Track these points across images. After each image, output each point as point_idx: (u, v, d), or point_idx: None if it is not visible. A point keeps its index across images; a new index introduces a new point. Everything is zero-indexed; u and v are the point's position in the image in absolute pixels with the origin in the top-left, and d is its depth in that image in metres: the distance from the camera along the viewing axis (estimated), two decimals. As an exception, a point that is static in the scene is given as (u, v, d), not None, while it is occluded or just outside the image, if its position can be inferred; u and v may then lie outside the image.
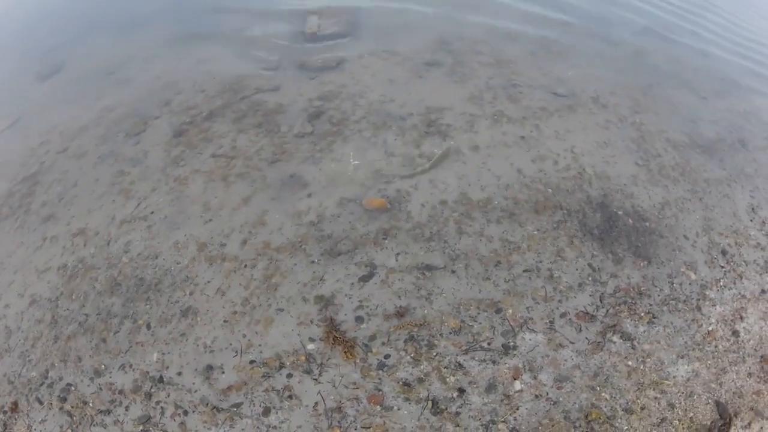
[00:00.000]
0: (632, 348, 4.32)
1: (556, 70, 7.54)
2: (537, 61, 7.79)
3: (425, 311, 4.49)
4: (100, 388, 4.42)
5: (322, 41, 8.47)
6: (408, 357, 4.23)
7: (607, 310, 4.49)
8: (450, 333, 4.33)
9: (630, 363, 4.25)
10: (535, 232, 5.02)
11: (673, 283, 4.74)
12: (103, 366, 4.52)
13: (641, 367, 4.24)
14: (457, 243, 4.93)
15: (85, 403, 4.37)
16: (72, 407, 4.38)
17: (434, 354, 4.22)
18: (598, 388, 4.10)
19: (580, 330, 4.38)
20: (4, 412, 4.53)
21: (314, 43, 8.44)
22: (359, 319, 4.45)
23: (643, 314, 4.52)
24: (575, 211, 5.21)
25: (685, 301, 4.64)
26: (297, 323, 4.49)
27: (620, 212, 5.28)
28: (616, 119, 6.56)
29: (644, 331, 4.43)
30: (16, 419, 4.46)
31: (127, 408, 4.27)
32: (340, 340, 4.34)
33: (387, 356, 4.25)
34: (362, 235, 5.02)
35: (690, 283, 4.76)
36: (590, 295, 4.57)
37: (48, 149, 7.09)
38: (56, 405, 4.43)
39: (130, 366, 4.47)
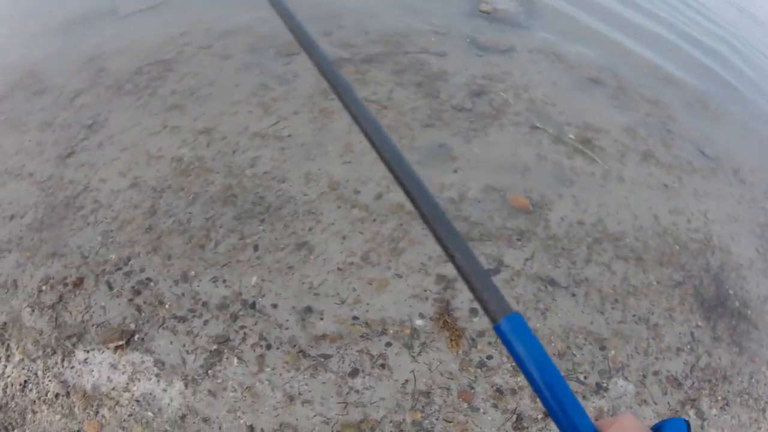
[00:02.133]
0: (701, 428, 4.26)
1: (707, 129, 7.48)
2: (693, 114, 7.76)
3: (538, 324, 4.46)
4: (183, 294, 4.41)
5: (494, 23, 8.43)
6: (509, 365, 4.18)
7: (693, 383, 4.44)
8: (554, 354, 4.28)
9: (694, 441, 4.11)
10: (655, 283, 4.98)
11: (752, 378, 4.67)
12: (193, 273, 4.53)
13: (700, 448, 4.09)
14: (584, 268, 4.90)
15: (161, 303, 4.38)
16: (144, 303, 4.40)
17: None
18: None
19: (666, 393, 4.33)
20: (65, 285, 4.59)
21: (487, 22, 8.35)
22: (473, 312, 4.40)
23: (719, 398, 4.46)
24: (693, 276, 5.18)
25: (756, 399, 4.58)
26: (412, 294, 4.44)
27: (731, 292, 5.22)
28: (749, 198, 6.50)
29: (715, 415, 4.37)
30: (75, 295, 4.50)
31: (206, 322, 4.27)
32: (450, 326, 4.30)
33: (489, 357, 4.21)
34: (498, 229, 4.96)
35: (765, 384, 4.69)
36: (684, 363, 4.54)
37: (189, 41, 7.18)
38: (127, 295, 4.45)
39: (224, 281, 4.46)
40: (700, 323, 4.86)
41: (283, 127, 5.68)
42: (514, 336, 1.08)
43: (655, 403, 4.27)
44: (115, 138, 5.86)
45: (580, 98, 7.15)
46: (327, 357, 4.15)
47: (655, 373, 4.43)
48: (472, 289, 1.13)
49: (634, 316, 4.72)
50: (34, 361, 4.29)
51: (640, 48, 9.39)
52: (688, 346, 4.67)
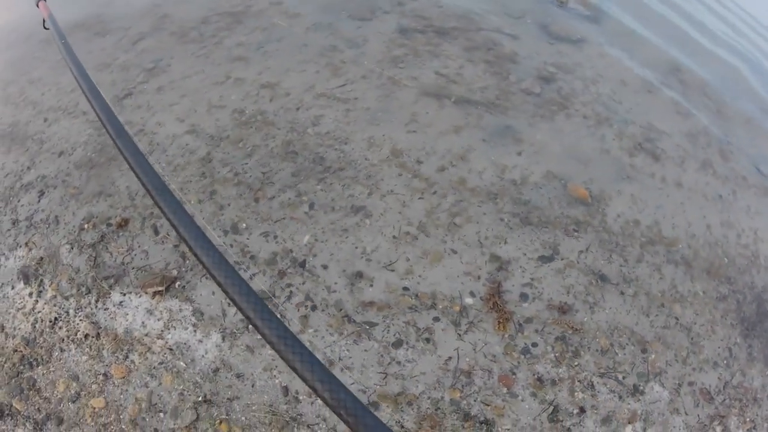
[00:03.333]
0: None
1: (765, 148, 7.34)
2: (752, 130, 7.63)
3: (585, 318, 4.37)
4: (232, 245, 4.35)
5: (568, 12, 8.34)
6: (552, 355, 4.11)
7: (724, 400, 4.35)
8: (597, 350, 4.21)
9: (715, 461, 4.03)
10: (701, 293, 4.88)
11: None
12: (244, 225, 4.47)
13: (721, 470, 4.01)
14: (635, 268, 4.81)
15: (208, 253, 4.24)
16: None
17: (576, 363, 4.11)
18: (684, 468, 3.88)
19: (698, 405, 4.24)
20: (109, 224, 4.56)
21: (561, 11, 8.27)
22: (524, 297, 4.32)
23: (747, 420, 4.37)
24: (738, 292, 5.07)
25: None
26: (465, 272, 4.35)
27: None
28: None
29: None
30: (118, 236, 4.48)
31: (252, 276, 4.19)
32: (499, 308, 4.22)
33: (534, 344, 4.13)
34: (556, 217, 4.88)
35: (792, 414, 4.53)
36: (718, 378, 4.44)
37: (259, -5, 7.11)
38: (172, 241, 4.41)
39: (275, 237, 4.39)
40: (738, 340, 4.76)
41: (350, 89, 5.62)
42: None
43: (686, 414, 4.20)
44: (176, 83, 5.82)
45: (646, 99, 7.05)
46: (372, 325, 4.08)
47: (690, 384, 4.35)
48: None
49: (678, 323, 4.63)
50: (66, 299, 4.26)
51: (712, 46, 9.40)
52: (725, 362, 4.58)
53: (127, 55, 6.40)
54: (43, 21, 4.01)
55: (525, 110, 5.95)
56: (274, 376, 3.84)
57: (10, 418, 3.95)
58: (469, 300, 4.27)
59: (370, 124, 5.28)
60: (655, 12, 9.67)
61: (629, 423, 4.02)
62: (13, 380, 4.05)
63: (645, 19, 9.36)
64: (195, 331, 4.05)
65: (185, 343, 3.99)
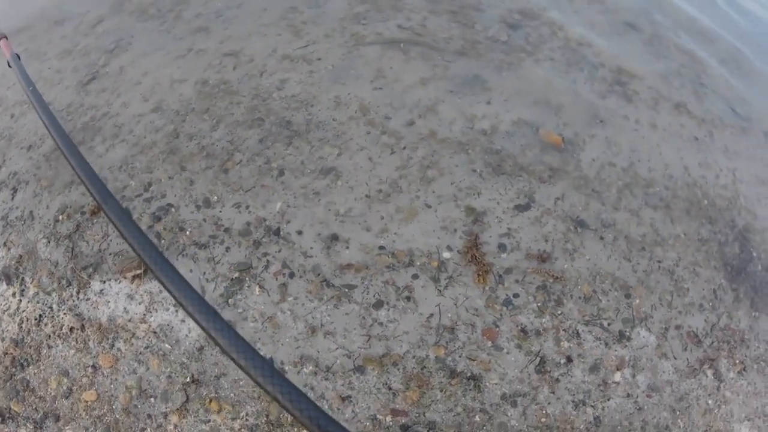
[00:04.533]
0: (717, 389, 4.20)
1: (740, 88, 7.29)
2: (725, 72, 7.54)
3: (565, 265, 4.34)
4: (204, 220, 4.30)
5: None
6: (535, 305, 4.08)
7: (712, 342, 4.37)
8: (579, 298, 4.18)
9: (710, 402, 4.14)
10: (682, 235, 4.88)
11: None
12: (215, 197, 4.40)
13: (715, 411, 4.13)
14: (613, 212, 4.78)
15: (182, 229, 4.27)
16: (164, 229, 4.29)
17: (559, 312, 4.09)
18: (677, 413, 4.00)
19: (686, 349, 4.26)
20: (83, 213, 4.49)
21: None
22: (502, 247, 4.28)
23: (737, 361, 4.39)
24: (719, 233, 5.06)
25: None
26: (441, 226, 4.31)
27: (755, 254, 5.10)
28: None
29: (732, 378, 4.30)
30: (93, 224, 4.41)
31: (227, 249, 4.16)
32: (478, 261, 4.17)
33: (516, 295, 4.10)
34: (530, 164, 4.84)
35: (783, 353, 4.57)
36: (705, 321, 4.45)
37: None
38: (146, 222, 4.35)
39: (247, 207, 4.33)
40: (723, 282, 4.74)
41: (313, 50, 5.55)
42: None
43: (675, 358, 4.20)
44: (138, 62, 5.75)
45: (614, 42, 7.00)
46: (351, 287, 4.04)
47: (677, 327, 4.35)
48: None
49: (660, 266, 4.60)
50: (48, 294, 4.22)
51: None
52: (710, 304, 4.56)
53: (87, 39, 6.31)
54: (8, 62, 3.98)
55: (492, 58, 5.89)
56: (259, 348, 3.80)
57: (11, 420, 3.94)
58: (446, 254, 4.23)
59: (336, 84, 5.22)
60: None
61: (618, 370, 4.02)
62: (8, 383, 4.03)
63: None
64: (176, 311, 4.01)
65: (168, 325, 3.95)
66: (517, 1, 7.06)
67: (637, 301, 4.36)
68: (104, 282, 4.19)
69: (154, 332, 3.96)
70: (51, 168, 4.90)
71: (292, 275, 4.05)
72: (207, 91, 5.23)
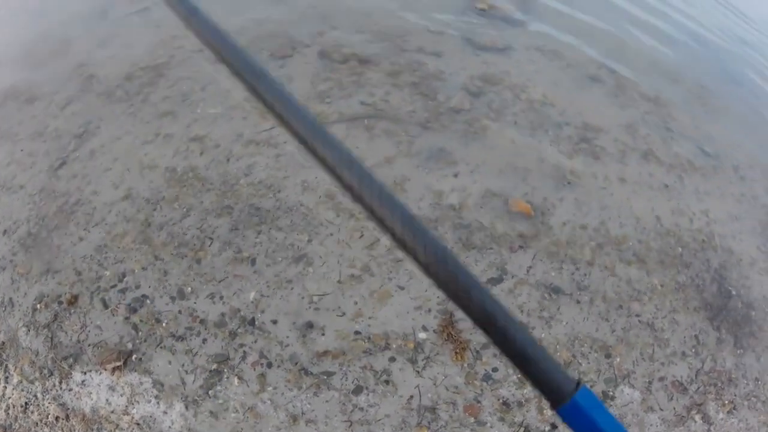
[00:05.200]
0: None
1: (707, 126, 7.49)
2: (692, 111, 7.75)
3: (543, 333, 4.40)
4: (180, 312, 4.32)
5: (491, 19, 8.34)
6: (515, 377, 4.12)
7: (698, 387, 4.43)
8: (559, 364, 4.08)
9: (699, 446, 4.07)
10: (659, 286, 4.95)
11: (758, 380, 4.64)
12: (189, 289, 4.43)
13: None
14: (588, 274, 4.86)
15: (158, 321, 4.29)
16: (141, 321, 4.31)
17: None
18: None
19: (672, 399, 4.31)
20: (60, 303, 4.48)
21: (483, 19, 8.26)
22: (478, 323, 4.21)
23: (726, 402, 4.44)
24: (697, 277, 5.15)
25: (764, 401, 4.55)
26: (414, 306, 4.36)
27: (734, 292, 5.19)
28: (750, 196, 6.48)
29: (722, 419, 4.35)
30: (70, 314, 4.40)
31: (204, 341, 4.18)
32: (454, 339, 4.23)
33: (495, 369, 4.16)
34: (500, 235, 4.91)
35: (773, 385, 4.56)
36: (689, 367, 4.52)
37: (181, 44, 7.07)
38: (122, 313, 4.35)
39: (221, 298, 4.36)
40: (704, 326, 4.84)
41: (279, 133, 5.55)
42: (586, 419, 0.89)
43: (662, 410, 4.25)
44: (107, 147, 5.77)
45: (578, 97, 7.12)
46: (330, 374, 4.07)
47: (661, 379, 4.41)
48: (521, 368, 0.91)
49: (639, 320, 4.68)
50: (32, 382, 4.20)
51: (643, 36, 9.45)
52: (693, 350, 4.65)
53: (57, 121, 6.32)
54: None
55: (456, 129, 5.96)
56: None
57: None
58: (422, 335, 4.28)
59: (303, 167, 5.26)
60: (584, 3, 9.70)
61: (603, 430, 4.03)
62: (-1, 468, 3.93)
63: (572, 13, 9.38)
64: (158, 402, 4.01)
65: (151, 416, 3.95)
66: (479, 66, 7.14)
67: (618, 359, 4.42)
68: (85, 373, 4.19)
69: (138, 424, 3.94)
70: (27, 254, 4.90)
71: (269, 365, 4.06)
72: (176, 178, 5.25)
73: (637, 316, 4.70)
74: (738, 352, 4.77)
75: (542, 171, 5.69)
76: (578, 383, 0.89)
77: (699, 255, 5.39)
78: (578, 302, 4.64)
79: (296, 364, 4.09)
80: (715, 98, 8.51)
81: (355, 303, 4.33)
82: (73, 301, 4.46)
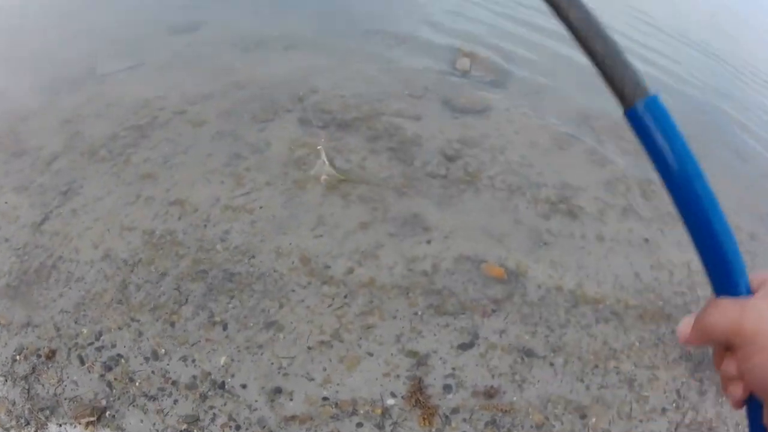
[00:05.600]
0: None
1: None
2: None
3: (514, 398, 4.42)
4: (153, 372, 4.38)
5: (471, 81, 8.47)
6: (484, 441, 4.00)
7: None
8: (531, 427, 4.25)
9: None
10: (637, 343, 4.97)
11: (738, 425, 4.60)
12: (163, 350, 4.51)
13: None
14: (562, 335, 4.89)
15: (132, 380, 4.35)
16: (115, 379, 4.36)
17: None
18: None
19: None
20: (38, 356, 4.54)
21: (462, 80, 8.40)
22: (447, 388, 4.39)
23: None
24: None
25: None
26: (383, 373, 4.43)
27: None
28: None
29: None
30: (48, 367, 4.46)
31: (175, 401, 4.24)
32: (422, 404, 4.27)
33: (464, 434, 4.03)
34: (473, 300, 4.98)
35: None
36: (668, 422, 4.49)
37: (164, 105, 7.19)
38: (98, 370, 4.41)
39: (193, 361, 4.44)
40: (684, 379, 4.85)
41: (255, 199, 5.70)
42: (651, 126, 0.95)
43: None
44: (89, 206, 5.84)
45: (557, 157, 7.21)
46: (297, 439, 4.03)
47: None
48: (600, 67, 0.94)
49: (616, 379, 4.71)
50: (8, 430, 4.22)
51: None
52: (674, 405, 4.65)
53: (42, 176, 6.41)
54: None
55: (432, 195, 6.05)
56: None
57: None
58: (390, 401, 4.32)
59: (278, 233, 5.36)
60: (563, 59, 9.78)
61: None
62: None
63: (553, 70, 9.56)
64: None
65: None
66: (457, 130, 7.28)
67: (594, 419, 4.42)
68: (60, 425, 4.22)
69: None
70: (8, 307, 4.97)
71: (238, 428, 4.12)
72: (154, 241, 5.35)
73: (616, 373, 4.74)
74: (720, 400, 4.76)
75: (518, 233, 5.79)
76: (650, 93, 0.93)
77: (680, 308, 5.43)
78: (551, 364, 4.68)
79: (264, 427, 4.13)
80: (695, 145, 8.49)
81: (324, 369, 4.40)
82: (51, 355, 4.53)
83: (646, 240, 6.11)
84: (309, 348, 4.50)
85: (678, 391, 4.71)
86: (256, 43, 8.83)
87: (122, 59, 8.50)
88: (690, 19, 13.39)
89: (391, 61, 8.76)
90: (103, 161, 6.42)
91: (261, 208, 5.56)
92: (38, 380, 4.43)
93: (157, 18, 9.67)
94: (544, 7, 0.87)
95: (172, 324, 4.66)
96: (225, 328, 4.63)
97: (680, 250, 6.02)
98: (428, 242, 5.40)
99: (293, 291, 4.84)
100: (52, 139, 6.96)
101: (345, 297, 4.81)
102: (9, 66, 8.65)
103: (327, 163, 5.85)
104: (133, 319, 4.72)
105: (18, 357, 4.57)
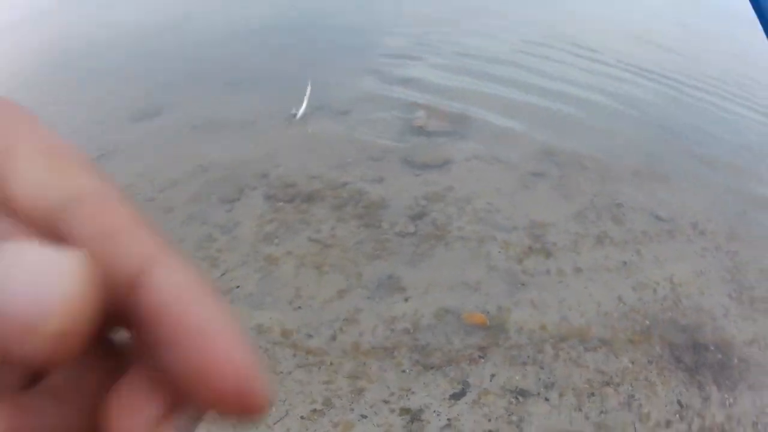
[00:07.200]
0: None
1: (658, 192, 7.67)
2: (641, 181, 7.92)
3: (515, 439, 4.29)
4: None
5: (428, 136, 8.63)
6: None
7: None
8: None
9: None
10: (630, 365, 5.02)
11: (757, 425, 4.66)
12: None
13: None
14: (553, 370, 4.93)
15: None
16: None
17: None
18: None
19: None
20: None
21: (420, 137, 8.58)
22: (442, 444, 4.29)
23: None
24: (669, 345, 5.22)
25: None
26: (378, 436, 4.37)
27: (711, 347, 5.28)
28: (712, 247, 6.65)
29: None
30: None
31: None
32: (421, 461, 4.20)
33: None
34: (458, 350, 5.03)
35: (772, 428, 4.57)
36: None
37: (133, 194, 7.23)
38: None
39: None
40: (684, 389, 4.88)
41: (231, 279, 5.73)
42: None
43: None
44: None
45: (523, 197, 7.33)
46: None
47: None
48: None
49: (615, 403, 4.74)
50: None
51: (579, 128, 9.62)
52: (677, 415, 4.67)
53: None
54: None
55: (403, 253, 6.15)
56: None
57: None
58: (388, 460, 4.24)
59: (256, 310, 5.41)
60: (519, 103, 9.93)
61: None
62: None
63: (510, 113, 9.70)
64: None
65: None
66: (420, 187, 7.41)
67: None
68: None
69: None
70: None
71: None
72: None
73: (613, 398, 4.77)
74: (728, 402, 4.81)
75: (494, 279, 5.87)
76: None
77: (668, 323, 5.51)
78: (546, 399, 4.71)
79: (267, 503, 4.07)
80: (662, 161, 8.75)
81: (320, 437, 4.40)
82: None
83: (624, 263, 6.21)
84: (302, 418, 4.51)
85: (679, 401, 4.76)
86: (218, 123, 8.90)
87: (87, 150, 8.53)
88: (628, 44, 13.56)
89: (348, 125, 8.83)
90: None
91: (238, 287, 5.59)
92: None
93: (118, 105, 9.69)
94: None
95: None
96: (215, 409, 4.63)
97: (659, 266, 6.18)
98: (405, 300, 5.48)
99: (279, 363, 4.86)
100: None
101: (331, 365, 4.85)
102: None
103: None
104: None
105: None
